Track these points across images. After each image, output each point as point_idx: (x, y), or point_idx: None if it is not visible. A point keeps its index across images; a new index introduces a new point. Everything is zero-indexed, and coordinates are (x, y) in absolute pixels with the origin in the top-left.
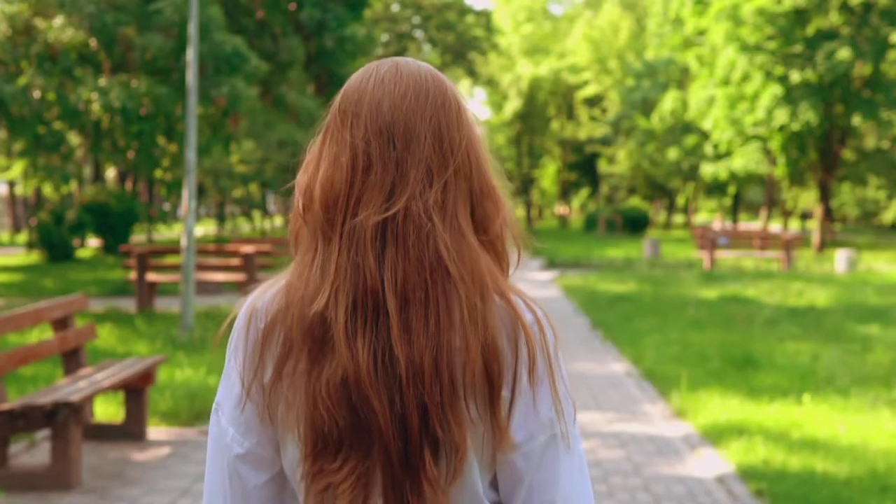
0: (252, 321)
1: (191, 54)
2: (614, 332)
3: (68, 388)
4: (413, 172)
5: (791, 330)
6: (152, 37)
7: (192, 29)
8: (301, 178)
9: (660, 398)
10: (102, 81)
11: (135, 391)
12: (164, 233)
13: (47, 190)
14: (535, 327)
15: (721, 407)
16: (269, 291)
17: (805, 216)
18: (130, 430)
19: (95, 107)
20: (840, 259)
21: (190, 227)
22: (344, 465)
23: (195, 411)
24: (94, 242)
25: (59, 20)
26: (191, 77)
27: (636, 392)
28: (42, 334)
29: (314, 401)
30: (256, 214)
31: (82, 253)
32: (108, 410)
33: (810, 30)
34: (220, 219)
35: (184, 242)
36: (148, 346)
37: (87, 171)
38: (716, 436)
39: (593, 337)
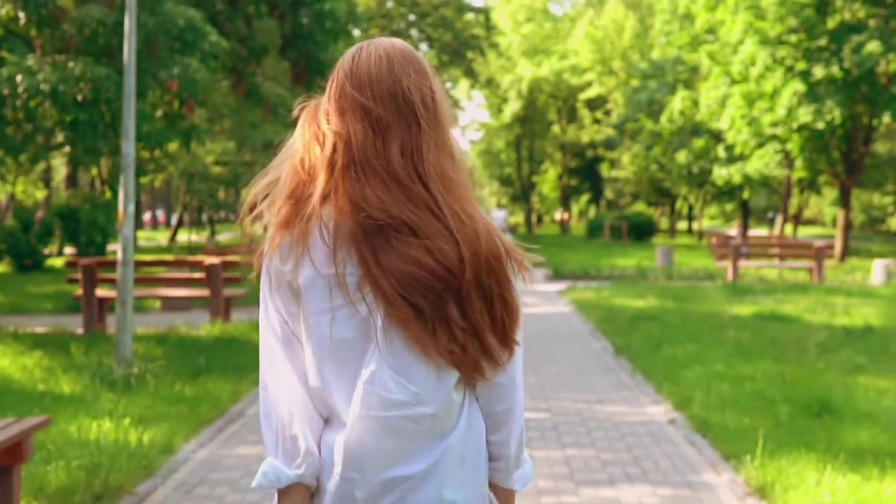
0: None
1: (128, 24)
2: (644, 362)
3: None
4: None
5: (855, 359)
6: (91, 8)
7: None
8: None
9: (722, 462)
10: (30, 60)
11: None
12: (155, 239)
13: (31, 195)
14: None
15: (817, 482)
16: None
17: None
18: None
19: (22, 90)
20: (877, 270)
21: (127, 235)
22: None
23: (95, 491)
24: (70, 251)
25: None
26: (127, 51)
27: (689, 451)
28: None
29: None
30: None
31: (54, 262)
32: None
33: (834, 22)
34: (210, 226)
35: (120, 255)
36: (73, 382)
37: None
38: None
39: (618, 367)
